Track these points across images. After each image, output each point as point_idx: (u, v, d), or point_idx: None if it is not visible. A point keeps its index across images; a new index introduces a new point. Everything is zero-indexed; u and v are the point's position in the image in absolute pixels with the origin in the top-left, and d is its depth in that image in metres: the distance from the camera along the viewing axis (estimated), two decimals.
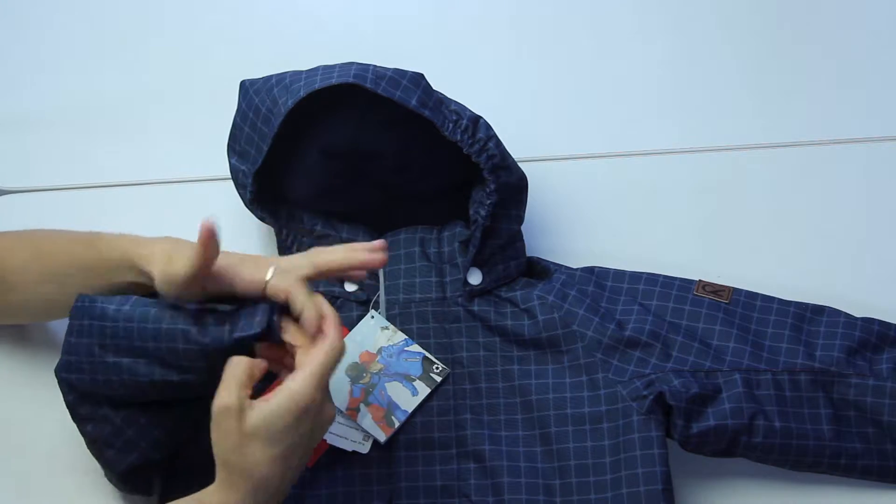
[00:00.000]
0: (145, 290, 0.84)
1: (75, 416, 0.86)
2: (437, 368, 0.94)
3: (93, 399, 0.84)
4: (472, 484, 0.91)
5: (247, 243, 1.06)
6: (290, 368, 0.76)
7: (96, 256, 0.86)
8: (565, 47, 1.16)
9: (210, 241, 0.75)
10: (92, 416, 0.85)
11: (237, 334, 0.78)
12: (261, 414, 0.72)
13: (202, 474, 0.76)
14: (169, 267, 0.79)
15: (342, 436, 0.91)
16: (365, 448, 0.91)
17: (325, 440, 0.91)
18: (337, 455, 0.91)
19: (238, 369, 0.74)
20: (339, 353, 0.76)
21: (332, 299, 0.96)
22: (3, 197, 1.10)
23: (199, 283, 0.78)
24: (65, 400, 0.85)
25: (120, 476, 0.87)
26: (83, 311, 0.83)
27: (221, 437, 0.72)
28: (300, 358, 0.76)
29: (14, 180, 1.11)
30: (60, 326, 1.02)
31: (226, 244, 1.04)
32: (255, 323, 0.78)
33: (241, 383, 0.73)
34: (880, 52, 1.15)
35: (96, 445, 0.86)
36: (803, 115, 1.13)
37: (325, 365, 0.74)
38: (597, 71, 1.15)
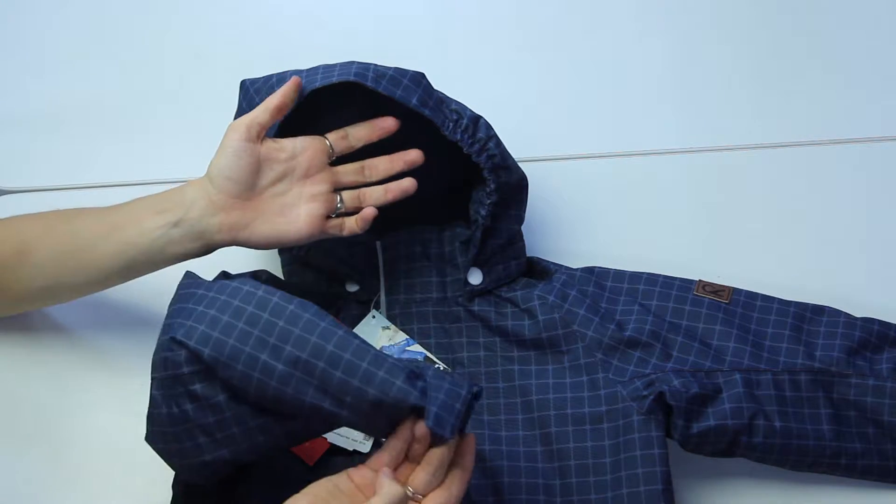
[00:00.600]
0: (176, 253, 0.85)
1: (175, 390, 0.76)
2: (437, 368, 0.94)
3: (215, 382, 0.75)
4: (472, 484, 0.91)
5: None
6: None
7: (116, 210, 0.88)
8: (565, 47, 1.17)
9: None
10: (200, 398, 0.75)
11: (428, 423, 0.72)
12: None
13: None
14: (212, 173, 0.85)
15: (343, 434, 0.91)
16: (366, 447, 0.91)
17: (326, 439, 0.91)
18: (337, 454, 0.91)
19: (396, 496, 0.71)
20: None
21: (333, 299, 0.96)
22: (3, 197, 1.10)
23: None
24: (172, 370, 0.75)
25: (201, 464, 0.78)
26: (237, 294, 0.76)
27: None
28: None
29: (14, 180, 1.11)
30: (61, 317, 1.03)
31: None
32: (447, 423, 0.72)
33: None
34: (880, 52, 1.15)
35: (187, 427, 0.76)
36: (803, 115, 1.13)
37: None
38: (597, 71, 1.16)
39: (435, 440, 0.73)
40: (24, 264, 0.90)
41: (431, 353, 0.95)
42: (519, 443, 0.92)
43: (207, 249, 0.87)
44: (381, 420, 0.73)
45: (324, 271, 0.96)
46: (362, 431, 0.79)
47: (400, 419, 0.73)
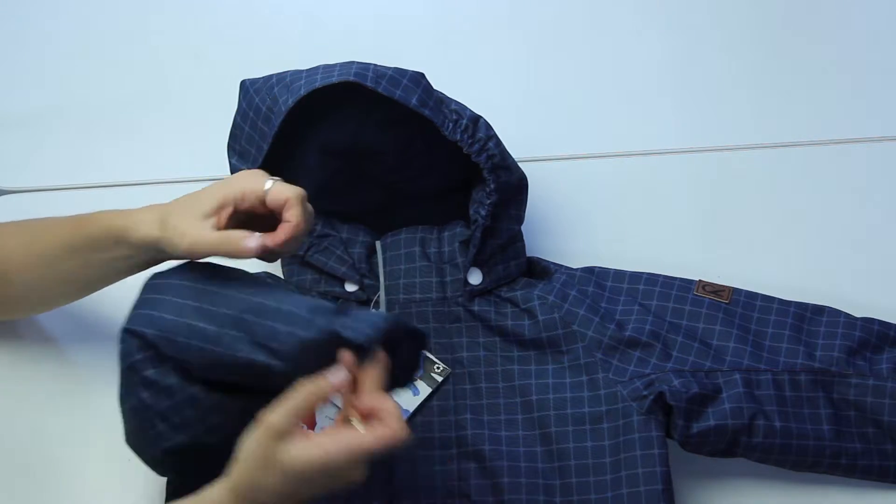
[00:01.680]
0: (134, 265, 0.84)
1: (132, 380, 0.78)
2: (437, 368, 0.94)
3: (166, 365, 0.77)
4: (472, 484, 0.91)
5: None
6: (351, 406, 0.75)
7: (83, 235, 0.85)
8: (565, 47, 1.17)
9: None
10: (153, 383, 0.77)
11: (346, 333, 0.74)
12: (296, 456, 0.70)
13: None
14: (166, 232, 0.78)
15: None
16: None
17: None
18: None
19: (301, 395, 0.72)
20: (395, 445, 0.72)
21: (333, 299, 0.96)
22: (2, 197, 1.10)
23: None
24: (127, 361, 0.78)
25: (163, 452, 0.79)
26: (174, 274, 0.79)
27: (253, 450, 0.71)
28: (358, 426, 0.73)
29: (14, 180, 1.11)
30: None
31: None
32: (362, 329, 0.74)
33: (298, 410, 0.72)
34: (880, 52, 1.15)
35: (147, 415, 0.78)
36: (803, 115, 1.13)
37: (373, 451, 0.72)
38: (597, 71, 1.16)
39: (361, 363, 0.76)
40: (5, 285, 0.90)
41: (431, 352, 0.95)
42: (519, 443, 0.92)
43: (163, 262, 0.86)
44: (312, 362, 0.74)
45: (323, 271, 0.96)
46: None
47: (330, 360, 0.74)
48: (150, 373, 0.77)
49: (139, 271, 0.86)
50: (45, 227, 0.89)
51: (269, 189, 0.78)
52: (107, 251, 0.83)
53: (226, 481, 0.73)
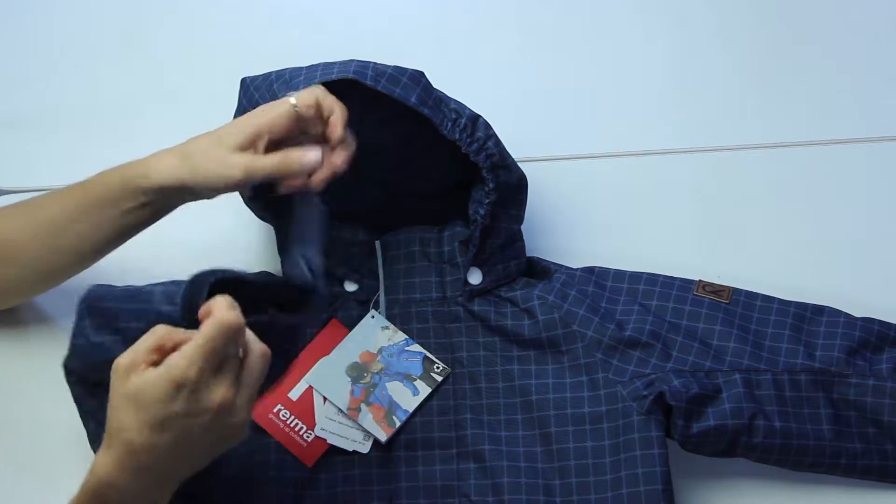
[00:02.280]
0: (150, 214, 0.84)
1: (82, 413, 0.85)
2: (437, 368, 0.94)
3: (99, 390, 0.81)
4: (472, 484, 0.91)
5: (247, 241, 1.06)
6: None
7: (96, 193, 0.85)
8: (565, 47, 1.16)
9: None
10: (96, 412, 0.83)
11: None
12: (138, 380, 0.69)
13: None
14: (196, 174, 0.80)
15: (343, 435, 0.91)
16: (365, 448, 0.91)
17: (326, 440, 0.91)
18: (337, 455, 0.91)
19: (152, 336, 0.71)
20: (226, 329, 0.70)
21: (332, 299, 0.96)
22: (2, 197, 1.10)
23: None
24: (73, 396, 0.84)
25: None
26: (91, 297, 0.81)
27: (111, 395, 0.71)
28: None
29: (14, 180, 1.11)
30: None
31: (227, 242, 1.05)
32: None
33: (145, 348, 0.70)
34: (880, 52, 1.15)
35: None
36: (803, 115, 1.13)
37: (207, 342, 0.69)
38: (597, 71, 1.15)
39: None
40: (10, 266, 0.90)
41: (431, 353, 0.94)
42: (519, 443, 0.92)
43: (164, 215, 0.87)
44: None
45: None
46: None
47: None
48: (88, 404, 0.84)
49: (154, 221, 0.86)
50: (49, 197, 0.90)
51: (296, 104, 0.79)
52: (123, 203, 0.83)
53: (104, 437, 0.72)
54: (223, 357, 0.71)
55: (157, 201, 0.84)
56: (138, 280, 0.87)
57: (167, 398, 0.69)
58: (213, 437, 0.72)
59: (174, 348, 0.70)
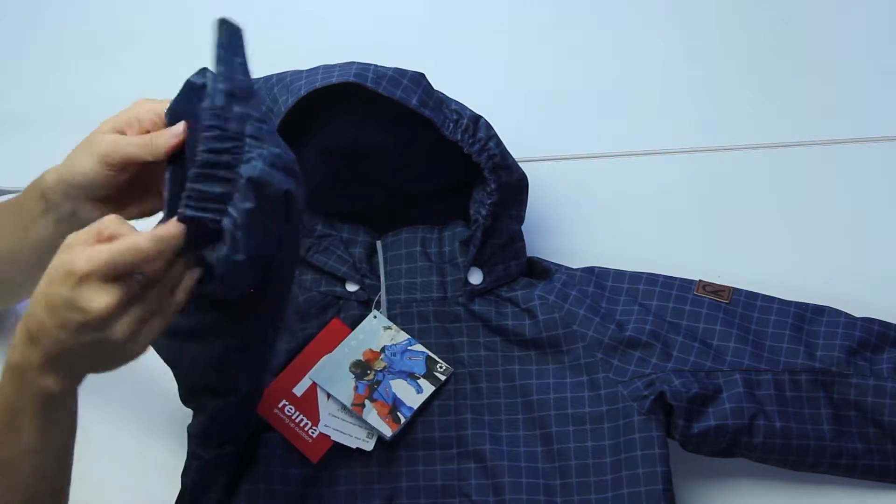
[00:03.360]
0: (61, 224, 0.82)
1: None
2: (440, 367, 0.94)
3: None
4: (473, 484, 0.91)
5: None
6: None
7: (18, 206, 0.85)
8: (566, 47, 1.17)
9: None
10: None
11: None
12: (55, 260, 0.68)
13: None
14: (69, 163, 0.79)
15: (346, 433, 0.92)
16: (369, 445, 0.91)
17: (330, 437, 0.91)
18: (338, 454, 0.92)
19: (100, 222, 0.68)
20: (137, 251, 0.66)
21: (334, 299, 0.96)
22: (2, 197, 1.09)
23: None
24: None
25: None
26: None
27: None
28: None
29: (14, 180, 1.10)
30: None
31: None
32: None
33: (88, 231, 0.68)
34: (880, 52, 1.15)
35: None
36: (803, 115, 1.13)
37: (109, 251, 0.66)
38: (597, 71, 1.15)
39: None
40: None
41: (432, 352, 0.95)
42: (520, 443, 0.92)
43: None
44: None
45: (324, 271, 0.96)
46: None
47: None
48: None
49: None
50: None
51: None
52: (36, 217, 0.83)
53: None
54: (126, 273, 0.67)
55: (58, 207, 0.81)
56: None
57: (58, 280, 0.67)
58: (88, 342, 0.69)
59: (109, 239, 0.68)
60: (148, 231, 0.68)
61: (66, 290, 0.66)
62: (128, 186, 0.81)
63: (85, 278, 0.66)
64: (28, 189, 0.85)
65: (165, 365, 0.84)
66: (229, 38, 0.75)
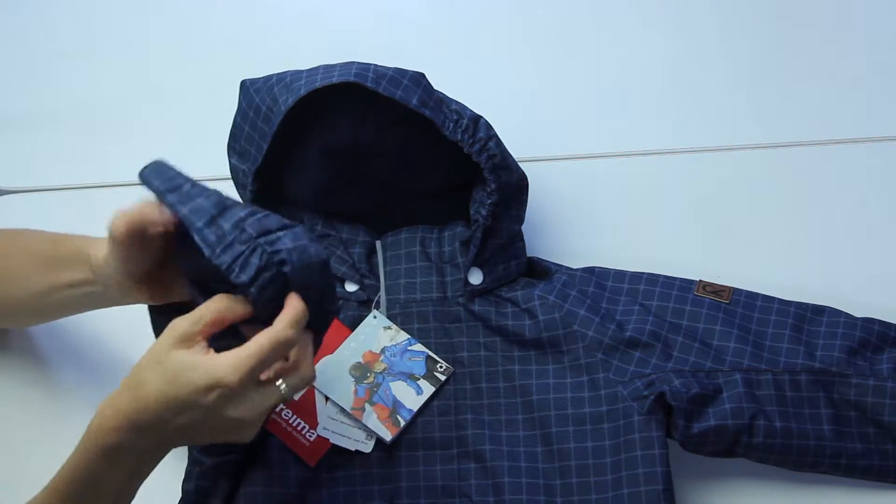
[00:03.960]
0: (92, 295, 0.82)
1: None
2: (440, 367, 0.94)
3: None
4: (473, 484, 0.91)
5: None
6: None
7: (53, 250, 0.84)
8: (566, 47, 1.17)
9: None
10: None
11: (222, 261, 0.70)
12: (185, 357, 0.69)
13: None
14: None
15: (345, 435, 0.92)
16: (368, 447, 0.91)
17: (328, 440, 0.91)
18: (338, 455, 0.92)
19: (215, 305, 0.71)
20: (283, 346, 0.70)
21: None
22: (2, 197, 1.10)
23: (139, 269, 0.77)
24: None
25: None
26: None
27: (153, 347, 0.71)
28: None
29: (14, 180, 1.11)
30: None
31: None
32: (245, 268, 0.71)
33: (205, 319, 0.70)
34: (880, 52, 1.15)
35: None
36: (803, 115, 1.13)
37: (261, 355, 0.69)
38: (597, 71, 1.16)
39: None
40: None
41: (432, 352, 0.95)
42: (520, 443, 0.92)
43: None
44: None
45: None
46: None
47: None
48: None
49: (97, 306, 0.85)
50: (19, 237, 0.89)
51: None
52: (73, 270, 0.82)
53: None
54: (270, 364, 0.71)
55: (96, 280, 0.80)
56: None
57: (199, 391, 0.69)
58: (221, 432, 0.73)
59: (233, 321, 0.71)
60: (281, 319, 0.70)
61: (209, 400, 0.69)
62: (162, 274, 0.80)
63: (236, 390, 0.69)
64: (72, 243, 0.83)
65: None
66: (156, 174, 0.74)
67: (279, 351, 0.71)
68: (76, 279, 0.82)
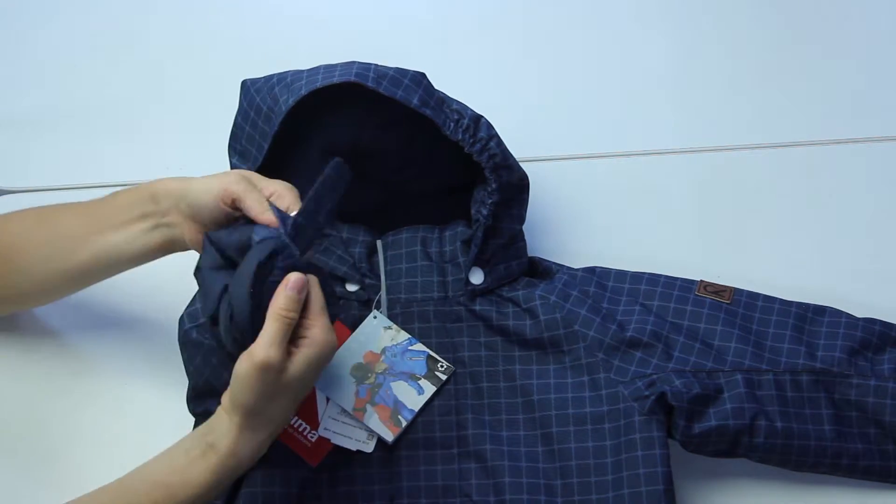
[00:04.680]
0: (153, 241, 0.86)
1: (191, 372, 0.94)
2: (441, 366, 0.94)
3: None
4: (474, 484, 0.91)
5: None
6: None
7: (105, 204, 0.88)
8: (566, 47, 1.17)
9: None
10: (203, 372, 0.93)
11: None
12: (299, 369, 0.76)
13: None
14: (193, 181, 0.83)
15: (347, 435, 0.91)
16: (369, 447, 0.91)
17: (329, 440, 0.91)
18: (338, 455, 0.91)
19: (280, 324, 0.76)
20: (331, 349, 0.79)
21: (334, 299, 0.96)
22: (3, 197, 1.10)
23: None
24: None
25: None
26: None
27: (257, 389, 0.75)
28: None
29: (14, 180, 1.11)
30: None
31: None
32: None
33: (283, 339, 0.76)
34: (880, 52, 1.15)
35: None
36: (803, 115, 1.13)
37: (319, 295, 0.78)
38: (597, 71, 1.16)
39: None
40: (5, 269, 0.90)
41: (433, 352, 0.95)
42: (520, 443, 0.92)
43: (170, 252, 0.89)
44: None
45: None
46: None
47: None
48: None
49: (154, 254, 0.88)
50: (64, 211, 0.91)
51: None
52: (127, 220, 0.86)
53: (232, 430, 0.78)
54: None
55: (160, 222, 0.85)
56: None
57: (318, 373, 0.79)
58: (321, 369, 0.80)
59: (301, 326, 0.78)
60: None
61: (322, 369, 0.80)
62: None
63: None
64: (124, 193, 0.88)
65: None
66: (335, 177, 0.82)
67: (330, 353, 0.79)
68: (137, 229, 0.86)
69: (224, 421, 0.78)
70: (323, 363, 0.78)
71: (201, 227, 0.84)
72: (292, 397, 0.79)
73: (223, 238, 0.80)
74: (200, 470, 0.77)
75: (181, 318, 0.93)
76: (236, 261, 0.79)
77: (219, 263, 0.80)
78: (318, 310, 0.78)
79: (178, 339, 0.93)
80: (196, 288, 0.85)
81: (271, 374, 0.75)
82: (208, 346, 0.88)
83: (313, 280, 0.79)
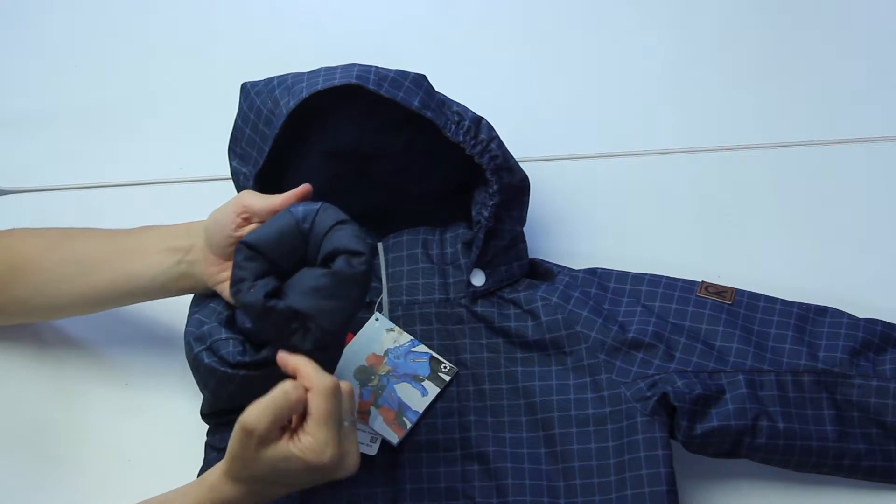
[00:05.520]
0: (169, 277, 0.87)
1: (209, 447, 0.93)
2: (444, 368, 0.94)
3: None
4: (477, 486, 0.91)
5: None
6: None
7: (134, 233, 0.89)
8: (566, 48, 1.17)
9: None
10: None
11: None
12: (274, 458, 0.73)
13: None
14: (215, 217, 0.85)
15: None
16: (373, 450, 0.91)
17: None
18: None
19: (283, 399, 0.73)
20: (332, 391, 0.74)
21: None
22: (3, 197, 1.09)
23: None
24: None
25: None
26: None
27: (237, 445, 0.73)
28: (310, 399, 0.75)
29: (14, 180, 1.10)
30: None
31: None
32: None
33: (278, 415, 0.73)
34: (881, 52, 1.15)
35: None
36: (803, 115, 1.13)
37: (328, 409, 0.73)
38: (597, 71, 1.16)
39: None
40: (19, 283, 0.90)
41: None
42: (523, 444, 0.92)
43: (190, 292, 0.90)
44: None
45: None
46: None
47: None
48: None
49: (167, 292, 0.89)
50: (86, 234, 0.92)
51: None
52: (157, 253, 0.87)
53: (222, 466, 0.76)
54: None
55: (184, 259, 0.87)
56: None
57: (305, 475, 0.75)
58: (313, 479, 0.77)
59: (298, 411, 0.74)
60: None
61: (318, 475, 0.75)
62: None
63: (343, 453, 0.75)
64: (159, 226, 0.90)
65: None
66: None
67: (335, 396, 0.74)
68: (151, 262, 0.87)
69: (217, 475, 0.77)
70: (306, 469, 0.74)
71: (214, 256, 0.85)
72: (268, 481, 0.75)
73: (261, 234, 0.79)
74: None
75: (187, 342, 0.88)
76: (276, 261, 0.78)
77: (256, 273, 0.78)
78: (320, 421, 0.73)
79: (188, 361, 0.89)
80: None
81: (248, 439, 0.72)
82: (221, 374, 0.85)
83: (342, 389, 0.76)
